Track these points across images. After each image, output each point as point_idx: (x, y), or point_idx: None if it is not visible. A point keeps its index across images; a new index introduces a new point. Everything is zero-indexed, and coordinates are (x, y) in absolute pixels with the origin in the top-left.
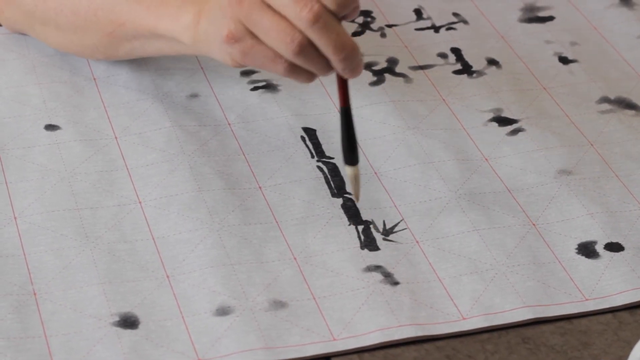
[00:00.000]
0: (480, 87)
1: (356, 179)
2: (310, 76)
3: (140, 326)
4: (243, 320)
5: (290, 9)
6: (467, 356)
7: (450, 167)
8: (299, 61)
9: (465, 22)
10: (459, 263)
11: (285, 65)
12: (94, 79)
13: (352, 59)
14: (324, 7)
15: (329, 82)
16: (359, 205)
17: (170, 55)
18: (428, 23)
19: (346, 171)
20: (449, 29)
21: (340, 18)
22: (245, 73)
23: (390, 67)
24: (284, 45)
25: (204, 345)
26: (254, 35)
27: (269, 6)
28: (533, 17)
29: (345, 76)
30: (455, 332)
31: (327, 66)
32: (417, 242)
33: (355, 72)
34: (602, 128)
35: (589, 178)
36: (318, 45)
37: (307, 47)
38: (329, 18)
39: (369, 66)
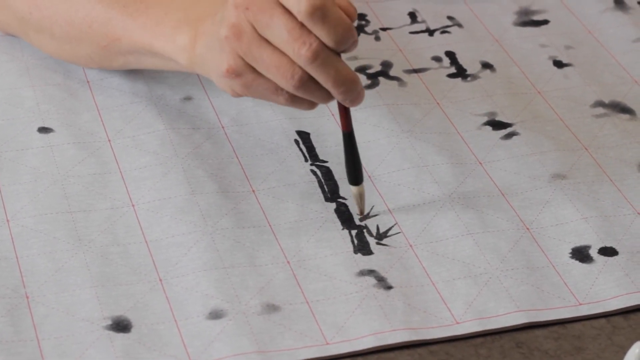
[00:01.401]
0: (475, 91)
1: (361, 197)
2: (311, 104)
3: (132, 330)
4: (236, 324)
5: (289, 46)
6: None
7: (444, 171)
8: (299, 94)
9: (459, 25)
10: (452, 267)
11: (287, 96)
12: (88, 81)
13: (352, 91)
14: (323, 44)
15: None
16: (352, 209)
17: (166, 70)
18: (422, 26)
19: (351, 190)
20: (443, 32)
21: (339, 52)
22: None
23: (385, 70)
24: (285, 80)
25: (196, 348)
26: (254, 70)
27: (268, 42)
28: (528, 20)
29: (346, 105)
30: (449, 337)
31: (328, 96)
32: (410, 246)
33: (355, 102)
34: (596, 132)
35: (583, 182)
36: (318, 80)
37: (307, 82)
38: (328, 54)
39: (363, 69)
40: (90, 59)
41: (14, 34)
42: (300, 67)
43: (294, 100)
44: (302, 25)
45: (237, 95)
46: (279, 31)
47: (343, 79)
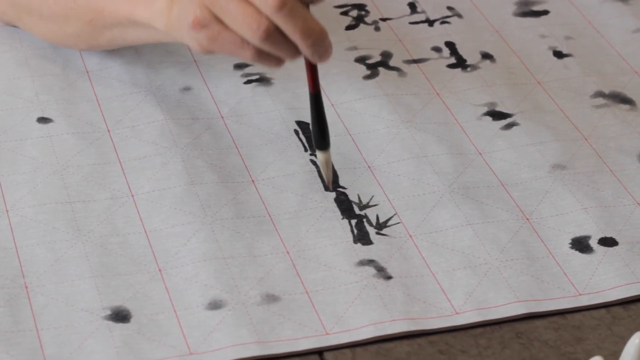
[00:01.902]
0: (474, 81)
1: (327, 163)
2: (278, 61)
3: (132, 320)
4: (235, 314)
5: None
6: (460, 351)
7: (443, 161)
8: (266, 47)
9: (459, 16)
10: (452, 257)
11: (253, 51)
12: (87, 71)
13: (320, 44)
14: None
15: (322, 76)
16: (352, 198)
17: (149, 43)
18: (422, 17)
19: (317, 156)
20: (443, 22)
21: (307, 2)
22: (239, 66)
23: (384, 60)
24: (251, 31)
25: (196, 339)
26: (220, 21)
27: None
28: (528, 11)
29: (314, 61)
30: (449, 327)
31: (296, 51)
32: (410, 236)
33: (323, 57)
34: (596, 122)
35: (583, 172)
36: (285, 31)
37: (274, 33)
38: (295, 4)
39: (362, 60)
40: (78, 37)
41: (10, 21)
42: (267, 18)
43: (260, 55)
44: None
45: (205, 50)
46: None
47: (311, 30)
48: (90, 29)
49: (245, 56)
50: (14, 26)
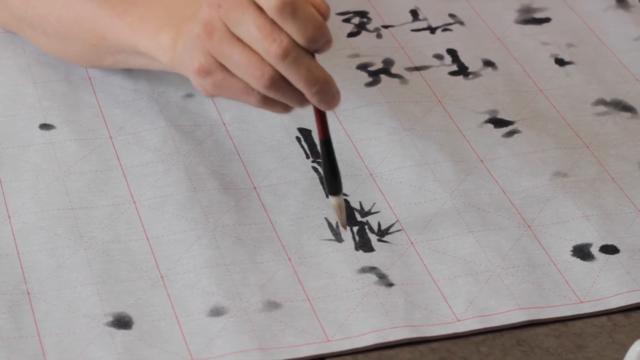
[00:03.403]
0: (476, 89)
1: (340, 208)
2: (285, 107)
3: (134, 326)
4: (237, 321)
5: (259, 43)
6: (461, 358)
7: (445, 169)
8: (271, 94)
9: (461, 23)
10: (453, 265)
11: (258, 97)
12: (89, 78)
13: (326, 92)
14: (294, 41)
15: None
16: (353, 205)
17: (155, 70)
18: (424, 24)
19: (330, 201)
20: (445, 30)
21: (312, 52)
22: None
23: (386, 68)
24: (255, 79)
25: (197, 345)
26: (225, 69)
27: (239, 39)
28: (529, 18)
29: (321, 109)
30: (450, 334)
31: (302, 98)
32: (412, 243)
33: (330, 104)
34: (597, 130)
35: (585, 180)
36: (289, 79)
37: (279, 81)
38: (299, 53)
39: (364, 67)
40: (81, 57)
41: (12, 30)
42: (271, 66)
43: (265, 101)
44: (273, 22)
45: (210, 95)
46: (250, 28)
47: (315, 79)
48: (94, 51)
49: (251, 102)
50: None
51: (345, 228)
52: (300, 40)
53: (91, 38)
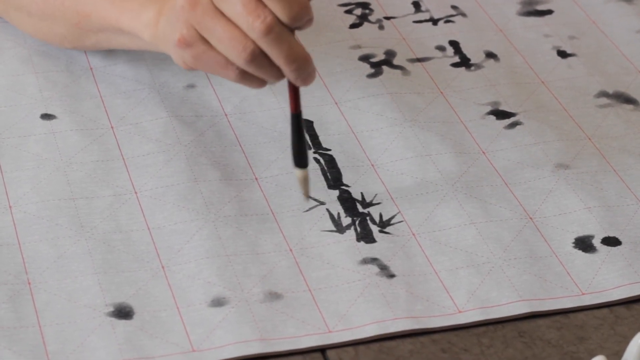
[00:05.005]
0: (478, 80)
1: (305, 180)
2: (261, 82)
3: (134, 317)
4: (238, 312)
5: (242, 18)
6: (462, 349)
7: (447, 160)
8: (250, 69)
9: (463, 15)
10: (455, 256)
11: (237, 72)
12: (91, 68)
13: (304, 69)
14: (277, 18)
15: (327, 74)
16: (355, 196)
17: (134, 49)
18: (426, 15)
19: (295, 174)
20: (447, 21)
21: (293, 28)
22: None
23: (388, 59)
24: (236, 53)
25: (198, 336)
26: (206, 41)
27: (222, 13)
28: (532, 10)
29: (297, 85)
30: (451, 326)
31: (279, 74)
32: (413, 234)
33: (306, 81)
34: (600, 122)
35: (587, 172)
36: (270, 55)
37: (259, 56)
38: (281, 30)
39: (366, 58)
40: (64, 38)
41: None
42: (253, 41)
43: (243, 76)
44: None
45: (189, 67)
46: (234, 3)
47: (295, 56)
48: (77, 31)
49: (229, 76)
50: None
51: (308, 198)
52: (283, 17)
53: (74, 17)
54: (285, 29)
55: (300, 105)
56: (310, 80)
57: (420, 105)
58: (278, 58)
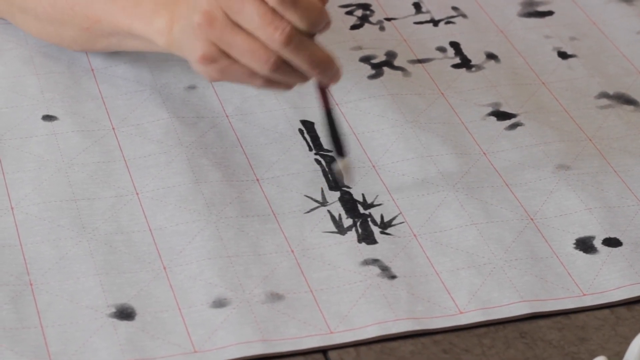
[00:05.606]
0: (479, 81)
1: (347, 168)
2: (288, 86)
3: (136, 318)
4: (240, 313)
5: (261, 31)
6: (464, 350)
7: (448, 161)
8: (275, 77)
9: (464, 16)
10: (456, 257)
11: (262, 80)
12: (92, 69)
13: (329, 71)
14: (295, 27)
15: None
16: (356, 198)
17: (146, 52)
18: (427, 17)
19: (338, 163)
20: (448, 22)
21: (312, 34)
22: None
23: (389, 60)
24: (260, 64)
25: (200, 337)
26: (228, 56)
27: (240, 27)
28: (532, 11)
29: (324, 86)
30: (452, 326)
31: (305, 77)
32: (414, 235)
33: (332, 81)
34: (600, 123)
35: (588, 173)
36: (293, 63)
37: (283, 65)
38: (301, 38)
39: (367, 59)
40: (74, 41)
41: (2, 15)
42: (275, 51)
43: (270, 83)
44: (273, 9)
45: (215, 80)
46: (251, 16)
47: (318, 60)
48: (87, 34)
49: (255, 84)
50: (5, 19)
51: (351, 186)
52: (301, 26)
53: (84, 22)
54: (304, 36)
55: (330, 101)
56: (337, 78)
57: (421, 107)
58: (302, 64)
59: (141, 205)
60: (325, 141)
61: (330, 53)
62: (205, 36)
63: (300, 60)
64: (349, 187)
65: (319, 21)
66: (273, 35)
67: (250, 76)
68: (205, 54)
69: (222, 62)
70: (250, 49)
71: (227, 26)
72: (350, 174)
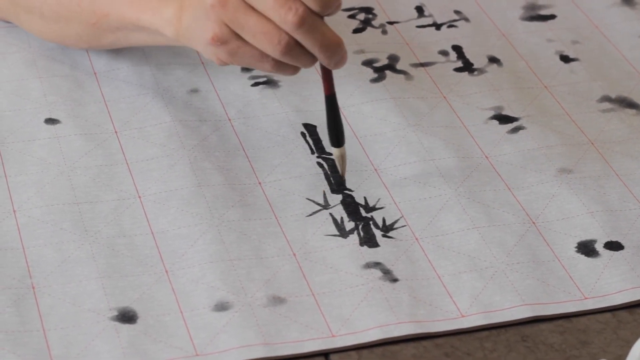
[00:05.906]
0: (481, 85)
1: (343, 158)
2: (296, 69)
3: (138, 321)
4: (242, 316)
5: (274, 12)
6: (465, 354)
7: (450, 165)
8: (285, 59)
9: (466, 19)
10: (458, 261)
11: (272, 63)
12: (95, 73)
13: (338, 54)
14: (308, 9)
15: None
16: (358, 201)
17: (155, 46)
18: (429, 20)
19: (333, 152)
20: (450, 26)
21: (323, 15)
22: (246, 69)
23: (391, 64)
24: (271, 46)
25: (202, 340)
26: (239, 37)
27: (253, 8)
28: (535, 15)
29: (331, 68)
30: (454, 330)
31: (313, 60)
32: (416, 239)
33: (339, 64)
34: (602, 127)
35: (590, 177)
36: (304, 45)
37: (294, 47)
38: (314, 19)
39: (370, 63)
40: (80, 38)
41: (6, 17)
42: (287, 33)
43: (279, 66)
44: None
45: (223, 63)
46: None
47: (329, 42)
48: (93, 30)
49: (264, 68)
50: (8, 22)
51: (344, 176)
52: (314, 7)
53: (91, 17)
54: (316, 18)
55: (334, 86)
56: (343, 62)
57: (424, 110)
58: (313, 47)
59: (143, 209)
60: (326, 143)
61: (339, 36)
62: (218, 17)
63: (312, 42)
64: (351, 190)
65: (331, 2)
66: (286, 17)
67: (260, 59)
68: (217, 34)
69: (233, 43)
70: (263, 30)
71: (240, 7)
72: (344, 165)
